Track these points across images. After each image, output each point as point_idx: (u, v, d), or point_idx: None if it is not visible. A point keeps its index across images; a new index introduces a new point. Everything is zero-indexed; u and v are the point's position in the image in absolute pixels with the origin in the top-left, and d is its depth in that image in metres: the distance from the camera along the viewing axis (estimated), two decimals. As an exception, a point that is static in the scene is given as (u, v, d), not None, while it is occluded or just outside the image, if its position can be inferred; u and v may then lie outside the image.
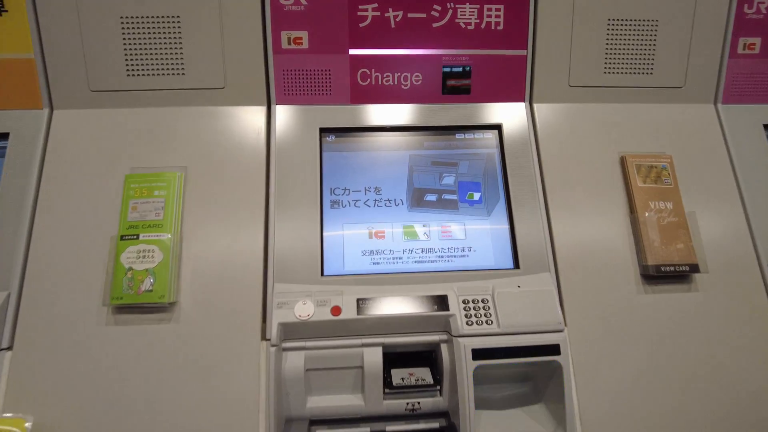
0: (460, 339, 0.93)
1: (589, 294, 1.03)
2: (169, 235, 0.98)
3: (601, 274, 1.05)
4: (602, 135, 1.16)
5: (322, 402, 0.97)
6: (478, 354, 0.92)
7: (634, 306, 1.03)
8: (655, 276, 1.04)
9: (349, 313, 0.95)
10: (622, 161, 1.13)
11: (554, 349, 0.94)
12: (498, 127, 1.15)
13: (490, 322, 0.95)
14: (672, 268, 1.03)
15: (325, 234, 1.04)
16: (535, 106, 1.18)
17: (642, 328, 1.02)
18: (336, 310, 0.95)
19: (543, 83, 1.18)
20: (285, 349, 0.96)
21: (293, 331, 0.95)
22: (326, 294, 0.97)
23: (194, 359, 0.94)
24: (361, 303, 0.96)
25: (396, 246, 1.05)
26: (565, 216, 1.08)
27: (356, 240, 1.05)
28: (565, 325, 0.99)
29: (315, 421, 0.98)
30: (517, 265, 1.04)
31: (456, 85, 1.16)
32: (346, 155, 1.12)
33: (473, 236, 1.07)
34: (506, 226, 1.07)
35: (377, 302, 0.96)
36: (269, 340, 0.93)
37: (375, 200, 1.08)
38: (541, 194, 1.10)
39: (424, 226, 1.07)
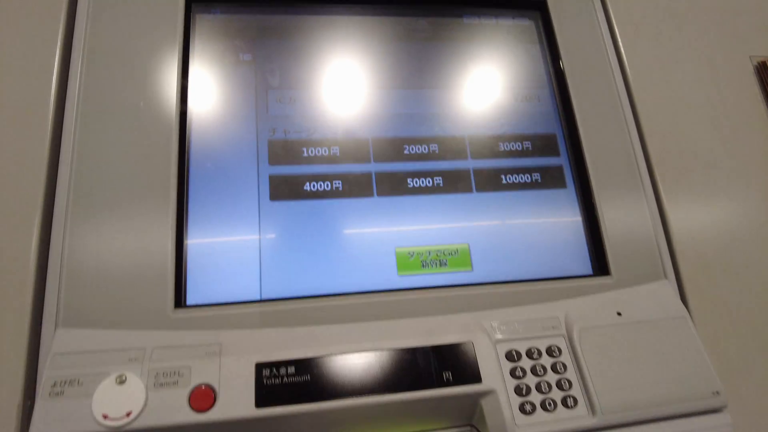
0: (509, 451, 0.39)
1: (747, 323, 0.51)
2: None
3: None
4: (722, 28, 0.64)
5: None
6: (557, 491, 0.38)
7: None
8: None
9: (237, 404, 0.38)
10: (761, 69, 0.62)
11: (717, 459, 0.41)
12: (540, 6, 0.61)
13: (571, 401, 0.42)
14: None
15: (190, 224, 0.46)
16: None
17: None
18: (202, 398, 0.38)
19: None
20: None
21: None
22: (181, 353, 0.39)
23: None
24: (267, 376, 0.39)
25: (349, 248, 0.49)
26: (682, 176, 0.56)
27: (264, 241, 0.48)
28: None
29: None
30: (603, 269, 0.50)
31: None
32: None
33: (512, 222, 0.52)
34: (567, 191, 0.54)
35: (307, 371, 0.39)
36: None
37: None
38: (633, 124, 0.56)
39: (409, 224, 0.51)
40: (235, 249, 0.46)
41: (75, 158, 0.44)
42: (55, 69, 0.47)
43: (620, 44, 0.60)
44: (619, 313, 0.47)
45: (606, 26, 0.60)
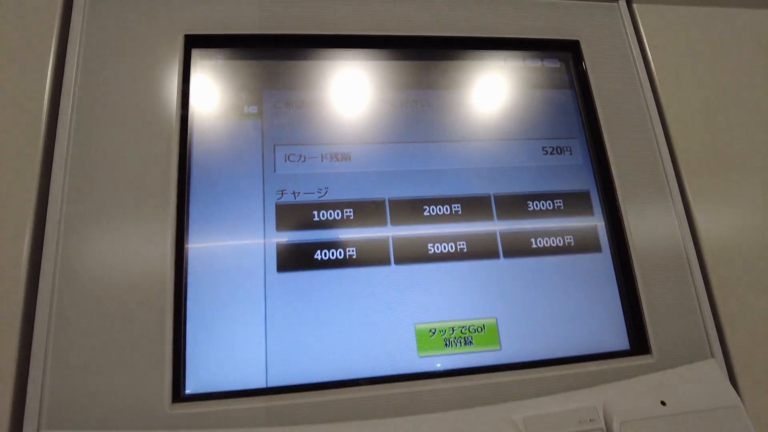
0: None
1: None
2: None
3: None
4: (765, 69, 0.59)
5: None
6: None
7: None
8: None
9: None
10: (812, 115, 0.57)
11: None
12: (573, 47, 0.56)
13: None
14: None
15: (189, 299, 0.42)
16: (638, 7, 0.59)
17: None
18: None
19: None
20: None
21: None
22: (180, 462, 0.35)
23: None
24: (275, 487, 0.35)
25: (364, 325, 0.44)
26: (727, 214, 0.51)
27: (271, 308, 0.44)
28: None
29: None
30: (643, 345, 0.46)
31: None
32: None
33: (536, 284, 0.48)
34: (602, 255, 0.49)
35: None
36: None
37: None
38: (674, 178, 0.52)
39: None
40: (238, 326, 0.42)
41: (62, 238, 0.40)
42: (43, 121, 0.43)
43: (658, 87, 0.55)
44: (663, 402, 0.42)
45: (643, 67, 0.55)
